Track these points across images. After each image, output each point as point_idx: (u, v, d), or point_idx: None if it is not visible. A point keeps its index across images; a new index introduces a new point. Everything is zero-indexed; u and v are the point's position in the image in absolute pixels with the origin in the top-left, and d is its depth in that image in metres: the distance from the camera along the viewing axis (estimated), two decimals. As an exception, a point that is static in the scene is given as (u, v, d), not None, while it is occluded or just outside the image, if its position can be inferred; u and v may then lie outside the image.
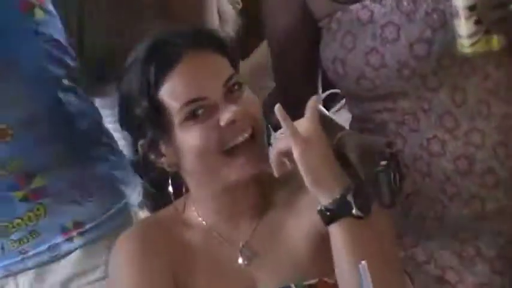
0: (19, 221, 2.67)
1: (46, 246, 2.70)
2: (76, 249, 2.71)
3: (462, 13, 2.08)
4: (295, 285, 2.11)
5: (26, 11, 2.67)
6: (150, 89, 2.12)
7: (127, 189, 2.85)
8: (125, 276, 2.19)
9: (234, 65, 2.21)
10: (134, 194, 2.87)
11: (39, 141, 2.66)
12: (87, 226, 2.71)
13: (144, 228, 2.31)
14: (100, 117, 2.92)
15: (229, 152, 2.06)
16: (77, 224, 2.70)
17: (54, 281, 2.70)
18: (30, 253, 2.71)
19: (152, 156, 2.15)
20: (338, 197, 2.00)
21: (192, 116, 2.07)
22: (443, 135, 2.31)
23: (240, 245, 2.17)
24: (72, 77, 2.86)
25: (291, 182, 2.16)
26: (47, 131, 2.67)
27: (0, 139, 2.59)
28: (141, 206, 2.76)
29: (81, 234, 2.70)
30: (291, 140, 1.99)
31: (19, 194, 2.63)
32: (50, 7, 2.80)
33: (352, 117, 2.55)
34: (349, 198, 2.00)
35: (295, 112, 2.21)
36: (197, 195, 2.20)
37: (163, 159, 2.14)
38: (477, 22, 2.08)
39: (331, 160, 2.04)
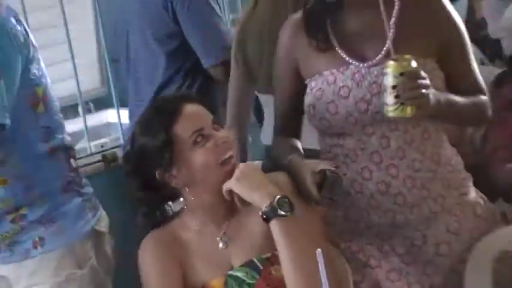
0: (6, 234, 3.08)
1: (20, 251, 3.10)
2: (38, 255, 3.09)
3: (387, 89, 2.54)
4: (256, 259, 2.63)
5: (33, 105, 3.05)
6: (167, 126, 2.65)
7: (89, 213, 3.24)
8: (148, 267, 2.74)
9: (212, 111, 2.79)
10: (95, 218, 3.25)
11: (25, 188, 3.04)
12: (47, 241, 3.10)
13: (159, 235, 2.79)
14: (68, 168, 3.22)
15: (222, 163, 2.59)
16: (41, 239, 3.08)
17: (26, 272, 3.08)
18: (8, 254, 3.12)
19: (167, 179, 2.67)
20: (267, 205, 2.51)
21: (195, 142, 2.61)
22: (372, 167, 2.81)
23: (220, 235, 2.71)
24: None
25: None
26: (31, 182, 3.05)
27: (1, 185, 3.02)
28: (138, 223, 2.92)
29: (41, 246, 3.08)
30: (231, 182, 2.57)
31: (9, 217, 3.04)
32: (50, 102, 3.18)
33: (320, 149, 3.01)
34: (275, 204, 2.51)
35: (283, 134, 3.03)
36: (193, 205, 2.73)
37: (175, 180, 2.67)
38: (396, 97, 2.52)
39: (262, 181, 2.58)
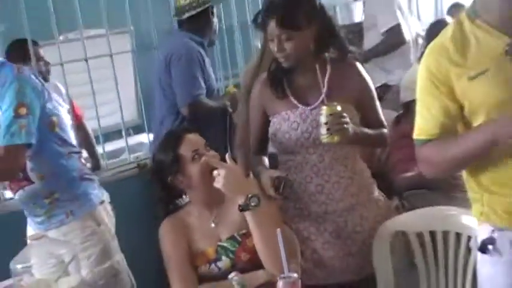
0: (46, 211, 3.12)
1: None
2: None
3: (322, 124, 2.63)
4: (236, 234, 2.66)
5: (50, 128, 3.06)
6: (174, 149, 2.69)
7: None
8: (165, 240, 2.73)
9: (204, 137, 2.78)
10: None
11: (56, 179, 3.09)
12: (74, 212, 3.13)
13: (171, 219, 2.79)
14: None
15: (212, 170, 2.58)
16: (71, 211, 3.12)
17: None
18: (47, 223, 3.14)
19: (176, 183, 2.73)
20: (243, 200, 2.53)
21: (193, 159, 2.67)
22: (312, 175, 2.88)
23: (212, 218, 2.74)
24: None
25: None
26: (59, 175, 3.10)
27: (40, 180, 3.06)
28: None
29: (72, 215, 3.11)
30: (218, 182, 2.53)
31: (47, 200, 3.10)
32: (63, 125, 3.17)
33: (279, 164, 3.02)
34: (248, 200, 2.52)
35: (256, 153, 3.10)
36: (195, 199, 2.78)
37: (181, 184, 2.72)
38: (328, 129, 2.62)
39: (239, 183, 2.55)
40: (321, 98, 2.85)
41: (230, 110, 4.02)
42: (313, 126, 2.81)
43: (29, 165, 3.02)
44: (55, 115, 3.10)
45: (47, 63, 4.10)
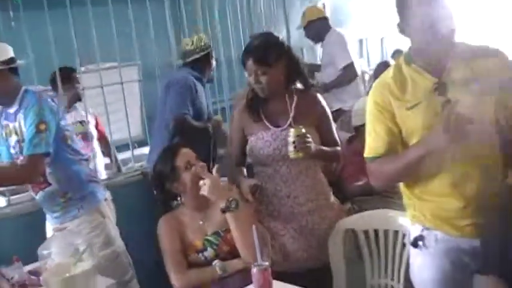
0: (61, 207, 3.11)
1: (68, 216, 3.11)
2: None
3: (290, 143, 2.68)
4: (219, 230, 2.65)
5: (63, 140, 3.06)
6: (171, 160, 2.69)
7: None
8: (162, 234, 2.69)
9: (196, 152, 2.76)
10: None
11: (68, 182, 3.08)
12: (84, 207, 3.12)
13: (167, 217, 2.74)
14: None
15: (199, 179, 2.61)
16: (81, 207, 3.10)
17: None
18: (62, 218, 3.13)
19: (172, 188, 2.71)
20: (223, 204, 2.55)
21: (186, 168, 2.67)
22: (281, 184, 2.88)
23: (201, 217, 2.71)
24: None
25: None
26: (71, 179, 3.09)
27: (57, 183, 3.06)
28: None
29: (82, 209, 3.10)
30: (204, 190, 2.57)
31: (62, 199, 3.10)
32: (73, 137, 3.19)
33: (255, 174, 3.00)
34: (228, 203, 2.54)
35: (237, 165, 3.06)
36: (187, 201, 2.73)
37: (176, 189, 2.70)
38: (294, 147, 2.67)
39: (221, 189, 2.59)
40: (288, 122, 2.87)
41: (211, 131, 3.95)
42: (282, 144, 2.82)
43: (47, 170, 3.02)
44: (67, 130, 3.12)
45: (82, 87, 4.07)
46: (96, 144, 4.48)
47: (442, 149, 2.00)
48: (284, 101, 2.91)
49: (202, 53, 3.98)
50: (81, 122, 4.35)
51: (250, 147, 2.95)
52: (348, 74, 5.16)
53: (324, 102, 3.01)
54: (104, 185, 3.36)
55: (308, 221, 2.94)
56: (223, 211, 2.57)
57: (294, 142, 2.69)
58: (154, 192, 2.80)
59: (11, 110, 3.04)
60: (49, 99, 3.03)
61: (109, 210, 3.27)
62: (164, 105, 3.93)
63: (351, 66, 5.17)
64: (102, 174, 4.32)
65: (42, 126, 2.91)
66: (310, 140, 2.71)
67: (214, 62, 4.12)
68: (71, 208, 3.13)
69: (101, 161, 4.52)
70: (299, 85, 2.95)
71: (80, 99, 4.27)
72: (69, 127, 3.23)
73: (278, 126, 2.90)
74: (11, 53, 3.01)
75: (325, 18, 5.34)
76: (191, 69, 3.99)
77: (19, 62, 3.05)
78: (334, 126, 3.07)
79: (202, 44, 3.99)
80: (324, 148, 2.89)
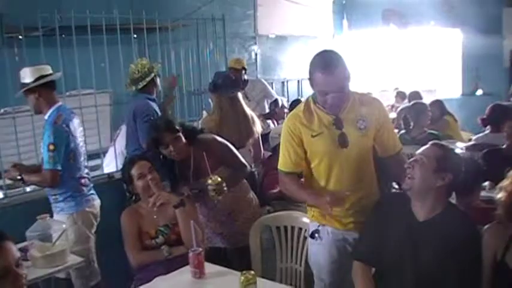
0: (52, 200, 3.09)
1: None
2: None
3: (210, 189, 2.64)
4: (169, 222, 2.62)
5: (69, 159, 3.06)
6: (128, 170, 2.71)
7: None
8: (124, 225, 2.66)
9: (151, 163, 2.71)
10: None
11: (70, 190, 3.08)
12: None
13: (129, 210, 2.72)
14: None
15: (149, 187, 2.64)
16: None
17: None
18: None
19: (132, 190, 2.70)
20: (175, 202, 2.58)
21: (138, 178, 2.67)
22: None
23: (155, 212, 2.64)
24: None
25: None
26: (71, 187, 3.08)
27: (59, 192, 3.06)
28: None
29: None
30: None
31: (52, 197, 3.09)
32: (78, 157, 3.11)
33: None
34: (179, 202, 2.58)
35: None
36: (142, 200, 2.69)
37: (134, 190, 2.69)
38: (215, 192, 2.65)
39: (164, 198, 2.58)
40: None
41: None
42: None
43: None
44: (72, 151, 3.09)
45: None
46: None
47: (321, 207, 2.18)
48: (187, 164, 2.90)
49: (148, 79, 3.80)
50: None
51: None
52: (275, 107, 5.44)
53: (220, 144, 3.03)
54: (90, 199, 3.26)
55: (232, 217, 3.02)
56: (175, 207, 2.62)
57: (214, 190, 2.67)
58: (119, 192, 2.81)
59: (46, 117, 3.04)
60: (64, 125, 3.01)
61: (91, 216, 3.20)
62: (131, 127, 3.82)
63: (276, 101, 5.48)
64: None
65: (51, 147, 2.93)
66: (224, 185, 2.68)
67: (159, 81, 3.98)
68: (58, 204, 3.13)
69: None
70: None
71: None
72: (79, 146, 3.17)
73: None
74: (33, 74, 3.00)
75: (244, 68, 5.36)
76: (145, 93, 3.84)
77: (50, 77, 3.05)
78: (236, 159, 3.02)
79: (146, 70, 3.81)
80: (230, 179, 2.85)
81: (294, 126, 2.26)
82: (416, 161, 2.00)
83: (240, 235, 2.95)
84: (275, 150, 3.68)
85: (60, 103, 3.10)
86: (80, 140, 3.16)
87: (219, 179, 2.64)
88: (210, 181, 2.65)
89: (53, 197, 3.12)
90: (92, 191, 3.26)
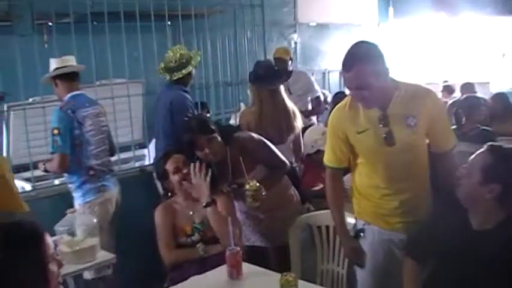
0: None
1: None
2: None
3: (248, 195, 2.70)
4: (205, 220, 2.63)
5: (75, 146, 3.17)
6: (163, 164, 2.72)
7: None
8: (158, 222, 2.67)
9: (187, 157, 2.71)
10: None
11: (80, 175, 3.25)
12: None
13: (163, 205, 2.73)
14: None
15: (186, 181, 2.65)
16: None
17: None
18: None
19: (167, 185, 2.75)
20: (204, 201, 2.59)
21: (174, 173, 2.69)
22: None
23: (190, 208, 2.70)
24: None
25: None
26: (81, 174, 3.24)
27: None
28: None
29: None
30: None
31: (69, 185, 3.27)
32: (86, 145, 3.23)
33: None
34: (209, 201, 2.58)
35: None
36: (179, 195, 2.72)
37: (170, 185, 2.72)
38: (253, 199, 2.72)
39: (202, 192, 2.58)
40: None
41: None
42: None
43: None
44: (77, 138, 3.20)
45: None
46: None
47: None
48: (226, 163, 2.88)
49: (185, 72, 3.73)
50: None
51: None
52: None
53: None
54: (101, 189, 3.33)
55: (273, 216, 3.01)
56: (205, 206, 2.62)
57: (252, 196, 2.69)
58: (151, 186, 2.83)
59: None
60: (69, 111, 3.15)
61: (100, 209, 3.27)
62: (165, 120, 3.75)
63: (320, 98, 5.31)
64: None
65: (55, 131, 3.08)
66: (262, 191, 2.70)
67: (194, 71, 3.94)
68: (74, 194, 3.27)
69: None
70: None
71: None
72: (87, 135, 3.25)
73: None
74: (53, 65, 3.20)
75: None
76: (179, 84, 3.78)
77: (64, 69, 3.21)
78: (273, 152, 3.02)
79: (184, 61, 3.74)
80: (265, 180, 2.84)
81: (339, 121, 2.26)
82: (462, 172, 1.98)
83: (279, 233, 2.93)
84: (309, 155, 3.71)
85: (78, 92, 3.25)
86: (91, 128, 3.26)
87: (257, 185, 2.64)
88: (247, 186, 2.66)
89: (69, 185, 3.28)
90: (106, 182, 3.34)
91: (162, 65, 3.83)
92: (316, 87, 5.28)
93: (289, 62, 5.01)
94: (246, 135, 2.93)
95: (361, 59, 2.01)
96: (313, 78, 5.38)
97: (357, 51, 2.04)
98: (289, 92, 4.53)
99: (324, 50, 7.41)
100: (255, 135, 2.94)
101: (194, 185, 2.60)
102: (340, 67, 2.12)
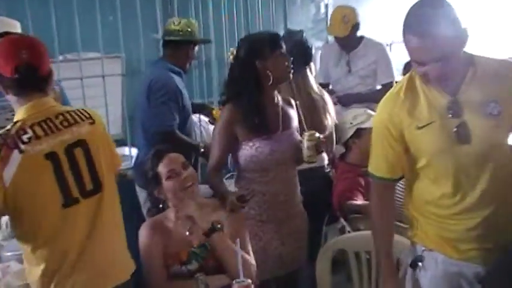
0: None
1: None
2: None
3: (305, 147, 2.82)
4: (207, 243, 2.63)
5: None
6: (154, 167, 2.69)
7: None
8: (144, 245, 2.64)
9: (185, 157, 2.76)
10: None
11: None
12: None
13: (151, 222, 2.74)
14: None
15: (185, 189, 2.65)
16: None
17: None
18: None
19: (156, 193, 2.71)
20: (208, 227, 2.59)
21: (168, 177, 2.66)
22: (281, 187, 2.93)
23: (187, 227, 2.65)
24: None
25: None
26: None
27: None
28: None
29: None
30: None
31: None
32: None
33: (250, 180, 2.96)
34: (212, 227, 2.60)
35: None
36: (173, 206, 2.70)
37: (160, 194, 2.69)
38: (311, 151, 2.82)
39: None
40: (294, 125, 3.07)
41: (202, 150, 3.79)
42: (286, 147, 2.96)
43: None
44: None
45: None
46: None
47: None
48: (276, 105, 2.99)
49: (183, 38, 3.78)
50: None
51: (251, 153, 2.92)
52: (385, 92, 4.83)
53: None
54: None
55: (296, 224, 3.05)
56: (206, 234, 2.62)
57: (310, 147, 2.85)
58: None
59: None
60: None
61: None
62: (143, 106, 3.81)
63: (391, 84, 4.30)
64: None
65: None
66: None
67: (195, 55, 3.97)
68: None
69: None
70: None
71: None
72: None
73: (276, 131, 2.95)
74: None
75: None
76: (170, 62, 3.84)
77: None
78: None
79: (189, 30, 3.81)
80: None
81: (392, 113, 2.21)
82: None
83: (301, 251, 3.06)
84: (347, 146, 3.68)
85: None
86: None
87: (317, 135, 2.86)
88: (306, 137, 2.86)
89: None
90: None
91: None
92: (391, 67, 4.75)
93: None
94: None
95: (438, 20, 1.97)
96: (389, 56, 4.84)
97: (430, 10, 1.99)
98: (349, 71, 4.46)
99: (363, 15, 7.16)
100: None
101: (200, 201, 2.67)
102: (391, 37, 2.07)
